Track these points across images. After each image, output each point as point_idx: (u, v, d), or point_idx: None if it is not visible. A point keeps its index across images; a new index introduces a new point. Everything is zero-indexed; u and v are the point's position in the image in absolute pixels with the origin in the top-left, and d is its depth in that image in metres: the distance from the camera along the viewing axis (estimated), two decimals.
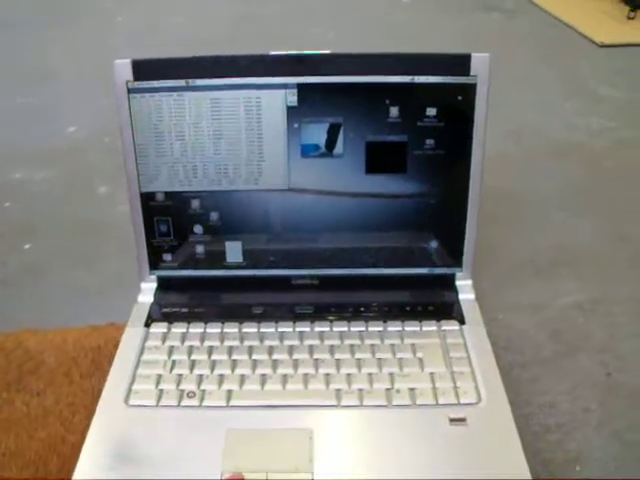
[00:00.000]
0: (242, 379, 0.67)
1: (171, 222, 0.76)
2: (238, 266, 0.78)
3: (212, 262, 0.78)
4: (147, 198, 0.75)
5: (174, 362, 0.69)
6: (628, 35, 1.79)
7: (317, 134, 0.72)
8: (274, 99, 0.71)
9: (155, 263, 0.78)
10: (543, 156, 1.25)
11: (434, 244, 0.76)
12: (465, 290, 0.78)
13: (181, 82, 0.71)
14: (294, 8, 2.04)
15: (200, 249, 0.77)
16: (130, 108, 0.72)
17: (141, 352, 0.71)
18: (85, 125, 1.37)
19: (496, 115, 1.27)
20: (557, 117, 1.39)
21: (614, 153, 1.25)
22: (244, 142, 0.72)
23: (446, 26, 1.90)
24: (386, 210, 0.75)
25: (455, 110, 0.71)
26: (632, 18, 1.90)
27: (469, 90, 0.70)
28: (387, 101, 0.70)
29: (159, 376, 0.67)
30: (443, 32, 1.84)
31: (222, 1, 2.13)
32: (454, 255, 0.77)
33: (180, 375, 0.67)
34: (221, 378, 0.67)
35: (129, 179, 0.75)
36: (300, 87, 0.70)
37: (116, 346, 0.72)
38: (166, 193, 0.75)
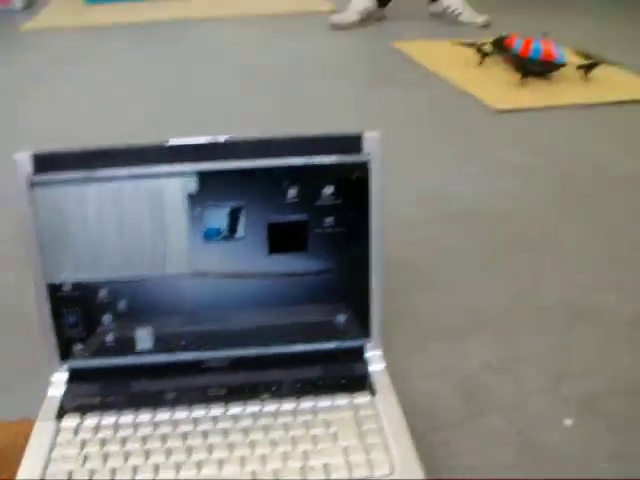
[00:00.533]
0: (156, 468, 0.66)
1: (80, 312, 0.76)
2: (149, 352, 0.78)
3: (123, 350, 0.77)
4: (54, 289, 0.75)
5: (86, 456, 0.68)
6: (521, 100, 1.90)
7: (219, 218, 0.73)
8: (175, 187, 0.72)
9: (65, 354, 0.77)
10: (448, 221, 1.29)
11: (341, 318, 0.78)
12: (375, 360, 0.79)
13: (84, 173, 0.72)
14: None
15: (110, 338, 0.77)
16: (33, 201, 0.72)
17: (52, 447, 0.69)
18: None
19: (401, 184, 1.32)
20: (459, 183, 1.44)
21: (514, 215, 1.31)
22: (148, 230, 0.73)
23: (351, 100, 1.97)
24: (292, 287, 0.76)
25: (351, 187, 0.74)
26: (523, 85, 2.00)
27: (363, 168, 0.73)
28: (285, 183, 0.73)
29: (70, 472, 0.66)
30: (348, 106, 1.91)
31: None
32: (362, 326, 0.79)
33: (92, 470, 0.66)
34: (135, 469, 0.66)
35: (34, 271, 0.74)
36: (199, 174, 0.72)
37: (27, 441, 0.70)
38: (73, 284, 0.75)
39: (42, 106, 2.00)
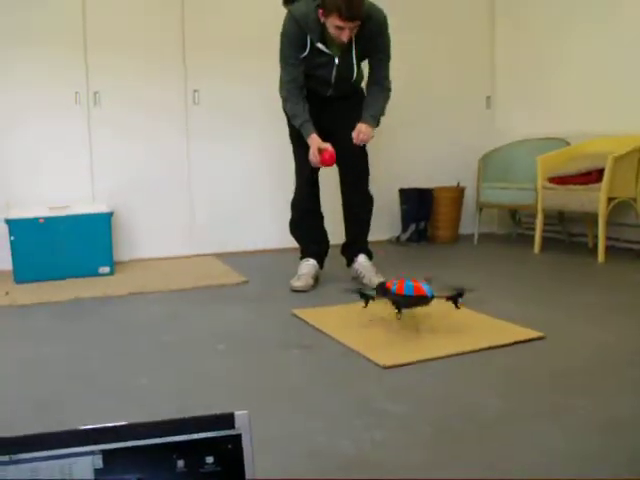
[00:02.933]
0: None
1: None
2: None
3: None
4: None
5: None
6: (405, 356, 2.15)
7: None
8: (83, 464, 0.88)
9: None
10: (329, 473, 1.44)
11: None
12: None
13: (4, 457, 0.87)
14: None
15: None
16: None
17: None
18: None
19: (292, 439, 1.48)
20: (346, 435, 1.62)
21: (391, 463, 1.48)
22: None
23: (253, 364, 2.17)
24: None
25: (229, 456, 0.91)
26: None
27: (237, 439, 0.91)
28: (174, 456, 0.90)
29: None
30: (249, 371, 2.11)
31: None
32: None
33: None
34: None
35: None
36: (104, 452, 0.88)
37: None
38: None
39: None
